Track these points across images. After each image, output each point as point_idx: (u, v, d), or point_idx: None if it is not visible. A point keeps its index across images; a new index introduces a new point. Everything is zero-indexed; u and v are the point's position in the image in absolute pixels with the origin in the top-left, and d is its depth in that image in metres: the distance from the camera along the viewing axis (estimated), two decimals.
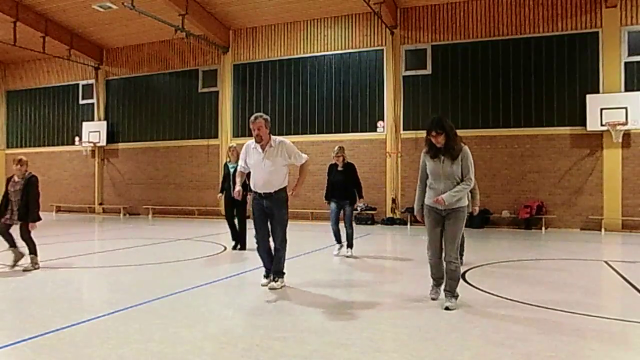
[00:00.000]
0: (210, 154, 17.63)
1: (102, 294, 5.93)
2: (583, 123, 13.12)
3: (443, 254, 4.96)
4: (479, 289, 5.85)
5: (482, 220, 13.81)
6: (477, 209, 7.58)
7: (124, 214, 18.82)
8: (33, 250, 7.01)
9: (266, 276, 5.87)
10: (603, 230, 12.84)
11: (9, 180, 7.00)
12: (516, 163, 13.94)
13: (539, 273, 7.13)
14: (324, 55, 16.13)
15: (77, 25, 17.77)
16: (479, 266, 7.45)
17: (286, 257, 5.90)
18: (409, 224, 14.33)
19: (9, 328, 4.28)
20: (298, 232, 12.66)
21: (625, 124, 12.54)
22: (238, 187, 5.83)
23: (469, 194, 7.20)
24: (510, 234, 12.63)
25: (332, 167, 8.44)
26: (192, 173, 17.95)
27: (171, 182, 18.33)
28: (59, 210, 20.24)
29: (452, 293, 4.92)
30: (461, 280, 6.37)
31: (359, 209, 15.05)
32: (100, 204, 19.60)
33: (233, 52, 17.36)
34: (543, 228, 13.34)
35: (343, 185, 8.22)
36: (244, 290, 5.83)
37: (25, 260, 7.02)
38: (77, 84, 20.26)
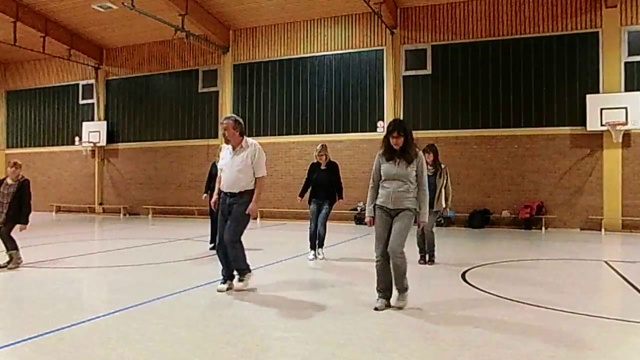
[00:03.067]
0: (210, 154, 17.58)
1: (102, 294, 5.93)
2: (583, 123, 13.12)
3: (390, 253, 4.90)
4: (479, 289, 5.85)
5: (482, 220, 13.82)
6: (447, 210, 7.71)
7: (124, 214, 18.82)
8: (13, 247, 7.04)
9: (223, 282, 5.66)
10: (603, 230, 12.83)
11: (1, 182, 7.04)
12: (516, 163, 13.94)
13: (539, 273, 7.13)
14: (324, 55, 16.13)
15: (77, 25, 17.77)
16: (479, 266, 7.45)
17: (252, 257, 5.69)
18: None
19: (9, 328, 4.28)
20: (298, 232, 12.66)
21: (625, 124, 12.54)
22: (215, 197, 5.79)
23: (431, 196, 7.34)
24: (510, 234, 12.63)
25: (315, 166, 8.15)
26: (192, 173, 17.95)
27: (171, 182, 18.33)
28: (59, 210, 20.24)
29: (400, 289, 4.91)
30: (461, 280, 6.38)
31: (358, 208, 15.06)
32: (100, 204, 19.60)
33: (233, 52, 17.36)
34: (543, 228, 13.34)
35: (326, 185, 7.99)
36: (243, 290, 5.82)
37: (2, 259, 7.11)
38: (77, 84, 20.26)
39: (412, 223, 4.93)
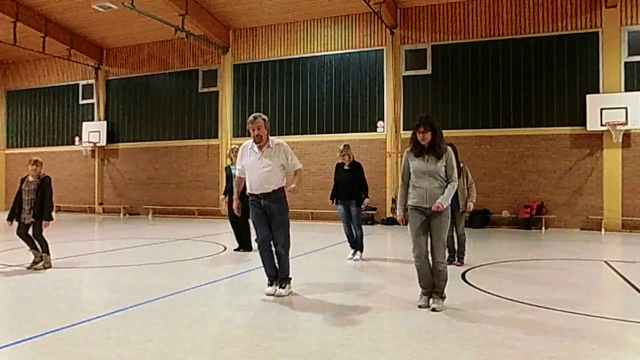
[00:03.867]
0: (210, 154, 17.63)
1: (102, 294, 5.93)
2: (583, 123, 13.12)
3: (430, 255, 4.90)
4: (479, 289, 5.85)
5: (482, 220, 13.82)
6: (472, 204, 7.60)
7: (124, 214, 18.82)
8: (46, 249, 7.11)
9: (270, 284, 5.52)
10: (603, 230, 12.83)
11: (23, 180, 7.11)
12: (516, 163, 13.94)
13: (539, 273, 7.12)
14: (324, 55, 16.13)
15: (77, 25, 17.78)
16: (479, 266, 7.45)
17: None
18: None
19: (9, 328, 4.28)
20: (298, 232, 12.64)
21: (625, 124, 12.54)
22: (237, 201, 5.69)
23: (461, 193, 7.32)
24: (510, 234, 12.63)
25: (339, 166, 8.19)
26: (192, 173, 17.96)
27: (171, 182, 18.33)
28: (59, 210, 20.20)
29: (439, 294, 4.89)
30: (461, 280, 6.39)
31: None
32: (100, 204, 19.60)
33: (233, 52, 17.36)
34: (543, 228, 13.34)
35: (348, 185, 7.95)
36: (244, 291, 5.82)
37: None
38: (77, 84, 20.26)
39: (449, 221, 4.98)
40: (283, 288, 5.49)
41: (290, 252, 5.60)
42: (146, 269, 7.21)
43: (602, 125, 12.75)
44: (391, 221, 14.76)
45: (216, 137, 17.53)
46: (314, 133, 16.06)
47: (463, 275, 6.66)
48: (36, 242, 7.04)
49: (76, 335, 4.01)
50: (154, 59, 18.72)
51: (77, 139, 19.98)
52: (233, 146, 9.14)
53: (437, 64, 14.81)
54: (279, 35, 16.73)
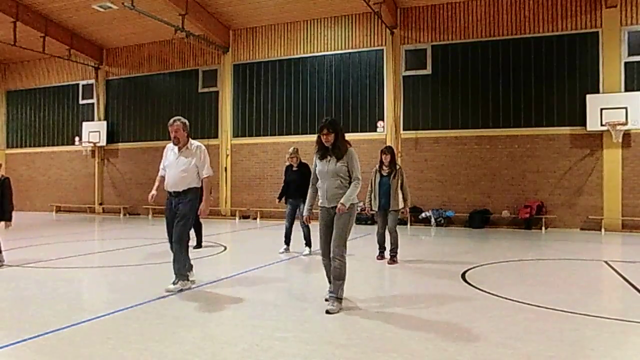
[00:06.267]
0: (210, 153, 17.48)
1: (102, 294, 5.93)
2: (583, 123, 13.12)
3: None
4: (479, 289, 5.85)
5: (482, 220, 13.82)
6: (407, 210, 7.91)
7: (124, 214, 18.82)
8: None
9: (175, 282, 5.67)
10: (603, 230, 12.83)
11: None
12: (516, 163, 13.94)
13: (539, 273, 7.13)
14: (324, 55, 16.13)
15: (77, 25, 17.77)
16: (478, 266, 7.45)
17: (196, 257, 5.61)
18: (408, 224, 14.32)
19: (9, 328, 4.28)
20: (298, 233, 12.63)
21: (625, 124, 12.54)
22: (153, 192, 5.92)
23: (394, 193, 7.60)
24: (510, 234, 12.63)
25: (288, 168, 8.67)
26: None
27: None
28: (59, 210, 20.23)
29: (334, 295, 4.80)
30: (462, 280, 6.38)
31: (359, 208, 15.03)
32: (100, 204, 19.60)
33: (233, 52, 17.36)
34: (543, 228, 13.34)
35: (297, 185, 8.35)
36: (243, 290, 5.82)
37: None
38: (77, 84, 20.26)
39: (353, 219, 4.99)
40: (175, 283, 5.60)
41: (184, 244, 5.68)
42: (146, 269, 7.21)
43: (602, 125, 12.75)
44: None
45: (216, 137, 17.52)
46: (314, 133, 15.91)
47: (463, 275, 6.66)
48: None
49: (76, 335, 4.01)
50: (154, 59, 18.72)
51: (77, 139, 19.99)
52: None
53: (437, 64, 14.81)
54: (279, 35, 16.73)
